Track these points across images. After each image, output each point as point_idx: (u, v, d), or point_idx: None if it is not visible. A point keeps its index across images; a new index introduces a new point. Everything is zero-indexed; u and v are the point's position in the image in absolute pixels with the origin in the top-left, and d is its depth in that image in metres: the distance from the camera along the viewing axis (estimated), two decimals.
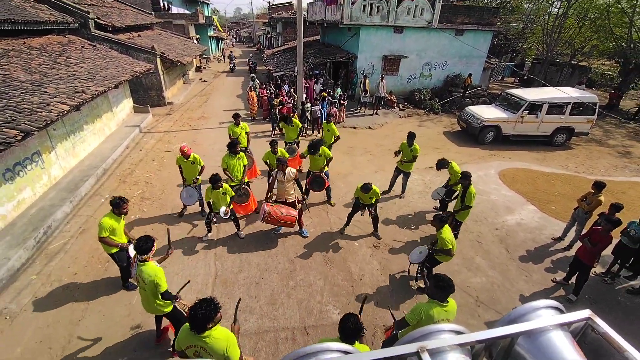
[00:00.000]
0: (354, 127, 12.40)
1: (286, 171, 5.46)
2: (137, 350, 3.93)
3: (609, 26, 16.02)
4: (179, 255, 5.46)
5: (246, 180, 6.49)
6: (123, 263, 4.47)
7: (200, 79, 21.02)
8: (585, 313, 1.35)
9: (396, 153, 7.13)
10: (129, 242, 4.44)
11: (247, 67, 23.57)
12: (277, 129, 11.14)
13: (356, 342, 2.49)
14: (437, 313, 2.88)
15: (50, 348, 3.90)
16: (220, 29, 40.28)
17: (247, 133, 7.65)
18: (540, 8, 20.42)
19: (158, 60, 13.22)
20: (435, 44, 15.18)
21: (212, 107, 14.59)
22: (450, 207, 6.39)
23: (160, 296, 3.35)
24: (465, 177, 5.45)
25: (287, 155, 6.62)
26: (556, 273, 5.51)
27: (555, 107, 10.69)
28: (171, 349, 3.90)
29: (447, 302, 2.92)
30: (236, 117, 7.52)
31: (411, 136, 6.86)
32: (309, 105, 11.40)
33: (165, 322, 3.93)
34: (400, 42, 14.73)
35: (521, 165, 9.67)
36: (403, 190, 7.53)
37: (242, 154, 6.23)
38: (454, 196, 6.35)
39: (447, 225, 4.43)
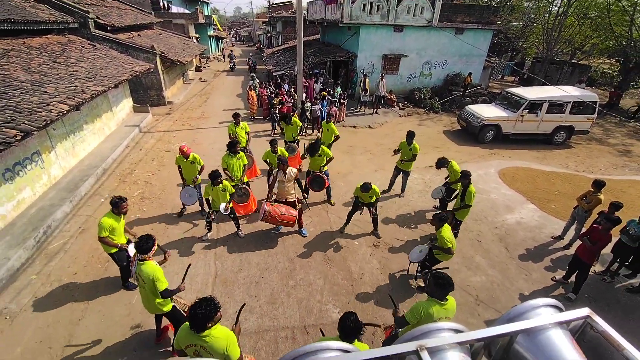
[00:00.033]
0: (354, 126, 12.39)
1: (287, 171, 5.46)
2: (137, 350, 3.94)
3: (610, 24, 16.00)
4: (179, 255, 5.46)
5: (246, 179, 6.49)
6: (123, 263, 4.47)
7: (200, 79, 21.01)
8: (584, 311, 1.35)
9: (395, 152, 7.13)
10: (129, 241, 4.44)
11: (247, 67, 23.56)
12: (277, 127, 11.15)
13: (355, 340, 2.50)
14: (436, 311, 2.88)
15: (50, 348, 3.91)
16: (220, 28, 40.25)
17: (247, 133, 7.66)
18: (540, 6, 20.40)
19: (158, 59, 13.21)
20: (435, 42, 15.16)
21: (212, 107, 14.58)
22: (450, 206, 6.39)
23: (160, 295, 3.35)
24: (465, 176, 5.44)
25: (286, 154, 6.63)
26: (556, 272, 5.51)
27: (555, 106, 10.68)
28: (171, 349, 3.91)
29: (447, 300, 2.92)
30: (236, 116, 7.51)
31: (410, 135, 6.85)
32: (308, 104, 11.40)
33: (165, 321, 3.94)
34: (400, 41, 14.72)
35: (521, 164, 9.67)
36: (403, 189, 7.53)
37: (242, 153, 6.24)
38: (453, 195, 6.35)
39: (446, 224, 4.43)
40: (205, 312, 2.37)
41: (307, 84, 13.12)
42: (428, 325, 1.35)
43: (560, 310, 1.42)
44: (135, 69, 10.50)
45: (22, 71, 6.94)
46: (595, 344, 1.35)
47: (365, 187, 5.34)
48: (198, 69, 23.77)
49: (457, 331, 1.33)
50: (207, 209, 6.22)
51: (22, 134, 5.01)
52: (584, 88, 13.55)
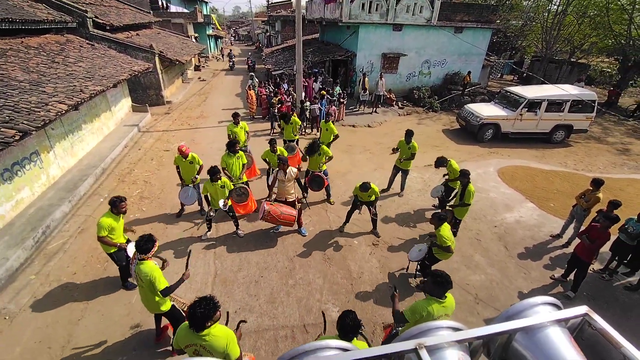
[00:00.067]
0: (353, 126, 12.39)
1: (287, 170, 5.45)
2: (137, 350, 3.94)
3: (608, 23, 16.01)
4: (179, 255, 5.46)
5: (245, 179, 6.48)
6: (122, 262, 4.47)
7: (199, 78, 20.98)
8: (583, 309, 1.36)
9: (394, 150, 7.13)
10: (128, 241, 4.44)
11: (246, 66, 23.53)
12: (276, 127, 11.15)
13: (354, 338, 2.51)
14: (436, 310, 2.89)
15: (50, 348, 3.91)
16: (219, 27, 40.20)
17: (246, 132, 7.65)
18: (539, 5, 20.39)
19: (156, 59, 13.19)
20: (435, 41, 15.15)
21: (211, 106, 14.56)
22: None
23: (160, 294, 3.35)
24: (464, 175, 5.45)
25: (286, 153, 6.63)
26: (555, 270, 5.53)
27: (554, 105, 10.69)
28: (170, 348, 3.91)
29: (445, 297, 2.93)
30: (235, 116, 7.51)
31: (409, 134, 6.85)
32: (308, 103, 11.39)
33: (165, 321, 3.94)
34: (400, 40, 14.71)
35: (520, 163, 9.69)
36: (402, 188, 7.53)
37: (241, 152, 6.23)
38: (452, 194, 6.35)
39: (446, 223, 4.43)
40: (204, 312, 2.37)
41: (306, 83, 13.11)
42: (427, 324, 1.36)
43: (559, 308, 1.42)
44: (134, 69, 10.48)
45: (20, 71, 6.92)
46: (593, 342, 1.35)
47: (365, 187, 5.34)
48: (197, 68, 23.74)
49: (456, 329, 1.33)
50: (206, 209, 6.22)
51: (21, 134, 4.99)
52: (582, 87, 13.56)
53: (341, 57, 15.13)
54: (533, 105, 10.60)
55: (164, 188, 7.47)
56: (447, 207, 6.14)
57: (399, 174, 7.33)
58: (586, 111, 10.92)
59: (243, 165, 6.21)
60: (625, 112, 15.57)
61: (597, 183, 5.63)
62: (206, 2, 36.87)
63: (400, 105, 14.93)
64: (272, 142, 6.48)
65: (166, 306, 3.56)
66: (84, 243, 5.66)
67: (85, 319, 4.29)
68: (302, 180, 6.68)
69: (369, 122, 12.80)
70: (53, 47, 9.08)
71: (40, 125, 5.44)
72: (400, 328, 3.44)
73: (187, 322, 2.48)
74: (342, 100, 12.49)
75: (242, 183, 6.21)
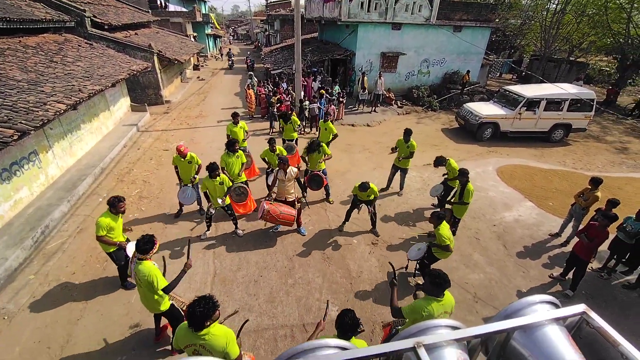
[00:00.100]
0: (352, 125, 12.39)
1: (287, 170, 5.44)
2: (136, 349, 3.94)
3: (607, 22, 16.02)
4: (178, 255, 5.46)
5: (245, 179, 6.46)
6: (121, 262, 4.46)
7: (198, 77, 20.94)
8: (580, 307, 1.36)
9: (393, 150, 7.13)
10: (127, 240, 4.43)
11: (245, 65, 23.49)
12: (275, 126, 11.14)
13: (353, 337, 2.51)
14: (435, 309, 2.89)
15: (49, 348, 3.90)
16: (217, 26, 40.11)
17: (245, 132, 7.64)
18: (538, 4, 20.38)
19: (155, 58, 13.15)
20: (434, 40, 15.15)
21: (210, 106, 14.54)
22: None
23: (160, 292, 3.34)
24: (463, 174, 5.45)
25: (285, 153, 6.62)
26: (553, 269, 5.54)
27: (553, 104, 10.71)
28: (170, 347, 3.91)
29: (443, 295, 2.94)
30: (235, 116, 7.50)
31: (407, 132, 6.86)
32: (307, 103, 11.38)
33: (164, 320, 3.94)
34: (399, 39, 14.70)
35: (519, 162, 9.70)
36: (401, 188, 7.54)
37: (240, 152, 6.21)
38: (451, 193, 6.36)
39: (444, 222, 4.44)
40: (203, 311, 2.37)
41: (306, 83, 13.10)
42: (425, 322, 1.36)
43: (557, 306, 1.43)
44: (132, 68, 10.45)
45: (18, 70, 6.90)
46: (591, 340, 1.36)
47: (364, 187, 5.35)
48: (196, 67, 23.70)
49: (454, 328, 1.34)
50: (205, 208, 6.22)
51: (19, 134, 4.98)
52: (581, 85, 13.58)
53: (340, 56, 15.11)
54: (532, 104, 10.62)
55: (163, 188, 7.46)
56: (447, 205, 6.16)
57: (398, 173, 7.34)
58: (585, 110, 10.94)
59: (242, 163, 6.21)
60: (623, 111, 15.60)
61: (596, 182, 5.64)
62: (205, 1, 36.79)
63: (399, 105, 14.93)
64: (271, 142, 6.48)
65: (165, 306, 3.56)
66: (83, 243, 5.66)
67: (84, 318, 4.29)
68: (302, 180, 6.68)
69: (368, 121, 12.80)
70: (51, 46, 9.05)
71: (38, 125, 5.43)
72: (399, 327, 3.44)
73: (186, 321, 2.48)
74: (341, 99, 12.48)
75: (242, 183, 6.20)
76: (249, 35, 55.55)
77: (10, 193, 5.86)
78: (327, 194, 7.14)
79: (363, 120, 12.87)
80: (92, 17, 11.64)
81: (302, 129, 11.33)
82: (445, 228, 4.39)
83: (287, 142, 7.88)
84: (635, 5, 15.34)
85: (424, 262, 4.83)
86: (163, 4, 26.77)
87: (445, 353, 1.22)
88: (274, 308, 4.56)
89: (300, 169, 7.33)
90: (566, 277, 5.20)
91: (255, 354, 3.92)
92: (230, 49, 29.77)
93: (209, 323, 2.43)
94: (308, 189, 6.71)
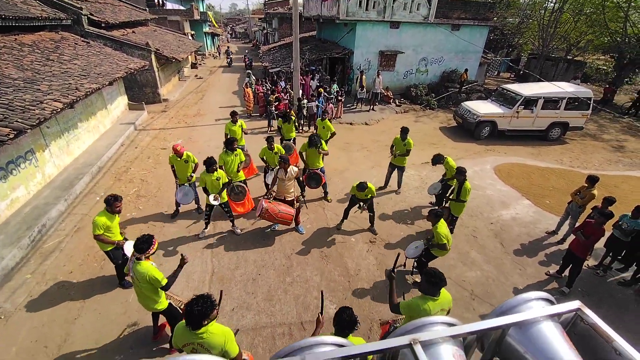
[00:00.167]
0: (351, 123, 12.39)
1: (288, 169, 5.43)
2: (134, 348, 3.93)
3: (604, 21, 16.06)
4: (176, 253, 5.45)
5: (243, 177, 6.44)
6: (118, 261, 4.45)
7: (196, 76, 20.86)
8: (575, 304, 1.37)
9: (392, 149, 7.13)
10: (125, 239, 4.42)
11: (243, 64, 23.42)
12: (273, 125, 11.13)
13: (350, 335, 2.53)
14: (432, 307, 2.91)
15: (46, 347, 3.89)
16: (215, 25, 39.92)
17: (243, 130, 7.62)
18: (536, 3, 20.39)
19: (153, 56, 13.09)
20: (432, 39, 15.15)
21: (208, 104, 14.50)
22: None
23: (162, 289, 3.35)
24: (460, 173, 5.47)
25: (283, 151, 6.62)
26: (550, 266, 5.58)
27: (551, 102, 10.74)
28: (168, 346, 3.91)
29: (439, 294, 2.95)
30: (233, 114, 7.48)
31: (404, 130, 6.87)
32: (305, 101, 11.37)
33: (162, 319, 3.93)
34: (397, 37, 14.69)
35: (516, 160, 9.74)
36: (399, 186, 7.55)
37: (239, 150, 6.18)
38: (449, 191, 6.38)
39: (442, 220, 4.45)
40: (201, 310, 2.37)
41: (304, 81, 13.07)
42: (422, 319, 1.37)
43: (552, 303, 1.44)
44: (130, 66, 10.40)
45: (14, 68, 6.85)
46: (585, 336, 1.37)
47: (361, 187, 5.36)
48: (194, 66, 23.59)
49: (450, 325, 1.35)
50: (203, 207, 6.20)
51: (15, 132, 4.95)
52: (578, 84, 13.62)
53: (338, 54, 15.09)
54: (529, 102, 10.65)
55: (160, 186, 7.44)
56: (444, 204, 6.18)
57: (395, 171, 7.35)
58: (582, 109, 10.98)
59: (240, 162, 6.18)
60: (620, 110, 15.68)
61: (592, 180, 5.68)
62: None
63: (397, 103, 14.94)
64: (269, 140, 6.47)
65: (163, 305, 3.55)
66: (80, 242, 5.64)
67: (81, 317, 4.28)
68: (300, 178, 6.68)
69: (367, 119, 12.80)
70: (47, 44, 8.99)
71: (35, 123, 5.39)
72: (397, 325, 3.46)
73: (184, 320, 2.48)
74: (340, 98, 12.48)
75: (240, 181, 6.19)
76: (247, 34, 55.37)
77: (6, 192, 5.83)
78: (325, 193, 7.15)
79: (361, 118, 12.88)
80: (89, 15, 11.56)
81: (301, 128, 11.32)
82: (443, 226, 4.41)
83: (285, 141, 7.87)
84: (633, 4, 15.38)
85: (422, 260, 4.85)
86: (160, 2, 26.64)
87: (441, 350, 1.23)
88: (272, 306, 4.57)
89: (298, 167, 7.33)
90: (562, 275, 5.24)
91: (253, 352, 3.93)
92: (228, 47, 29.67)
93: (206, 322, 2.43)
94: (306, 188, 6.70)
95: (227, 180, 5.53)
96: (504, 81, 21.02)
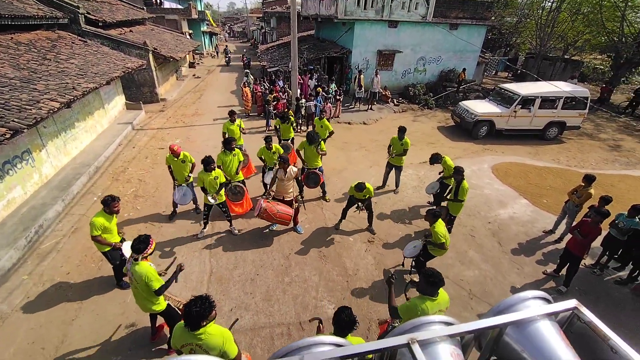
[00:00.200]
0: (349, 123, 12.39)
1: (287, 169, 5.40)
2: (132, 349, 3.92)
3: (601, 20, 16.14)
4: (174, 254, 5.43)
5: (242, 177, 6.43)
6: (116, 262, 4.43)
7: (194, 75, 20.79)
8: (572, 303, 1.38)
9: (389, 149, 7.14)
10: (122, 240, 4.41)
11: (242, 63, 23.37)
12: (272, 124, 11.12)
13: (349, 334, 2.53)
14: (430, 307, 2.91)
15: (44, 348, 3.88)
16: (213, 24, 39.81)
17: (241, 129, 7.60)
18: (534, 2, 20.49)
19: (150, 56, 13.04)
20: (430, 38, 15.17)
21: (206, 104, 14.46)
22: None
23: (154, 293, 3.33)
24: (458, 172, 5.48)
25: (282, 151, 6.60)
26: (547, 265, 5.61)
27: (548, 102, 10.79)
28: (166, 346, 3.91)
29: (437, 294, 2.96)
30: (232, 114, 7.46)
31: (402, 130, 6.88)
32: (303, 101, 11.36)
33: (160, 319, 3.92)
34: (395, 36, 14.70)
35: (514, 160, 9.77)
36: (397, 185, 7.56)
37: (237, 150, 6.15)
38: (447, 191, 6.40)
39: (440, 220, 4.46)
40: (199, 311, 2.37)
41: (302, 81, 13.06)
42: (420, 319, 1.37)
43: (549, 302, 1.45)
44: (127, 66, 10.35)
45: (10, 67, 6.80)
46: (582, 335, 1.38)
47: (360, 187, 5.37)
48: (191, 65, 23.52)
49: (448, 324, 1.35)
50: (201, 207, 6.18)
51: (12, 132, 4.91)
52: (575, 84, 13.68)
53: (336, 54, 15.09)
54: (527, 102, 10.69)
55: (158, 186, 7.42)
56: (442, 203, 6.19)
57: (393, 170, 7.36)
58: (579, 108, 11.04)
59: (239, 162, 6.16)
60: (617, 109, 15.76)
61: (589, 179, 5.70)
62: None
63: (395, 103, 14.96)
64: (267, 140, 6.46)
65: (161, 306, 3.54)
66: (78, 242, 5.61)
67: (79, 318, 4.26)
68: (299, 177, 6.66)
69: (365, 119, 12.81)
70: (44, 43, 8.93)
71: (31, 123, 5.36)
72: (396, 324, 3.47)
73: (182, 321, 2.48)
74: (338, 97, 12.47)
75: (239, 181, 6.18)
76: (245, 33, 55.22)
77: (3, 192, 5.79)
78: (324, 192, 7.15)
79: (359, 118, 12.88)
80: (86, 14, 11.49)
81: (299, 127, 11.31)
82: (441, 226, 4.41)
83: (283, 141, 7.86)
84: (629, 4, 15.47)
85: (420, 260, 4.86)
86: (158, 1, 26.55)
87: (439, 349, 1.23)
88: (271, 306, 4.57)
89: (296, 167, 7.33)
90: (560, 274, 5.26)
91: (251, 353, 3.93)
92: (226, 46, 29.60)
93: (205, 323, 2.43)
94: (305, 188, 6.70)
95: (225, 179, 5.51)
96: (501, 80, 21.09)
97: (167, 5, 27.63)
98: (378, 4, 13.60)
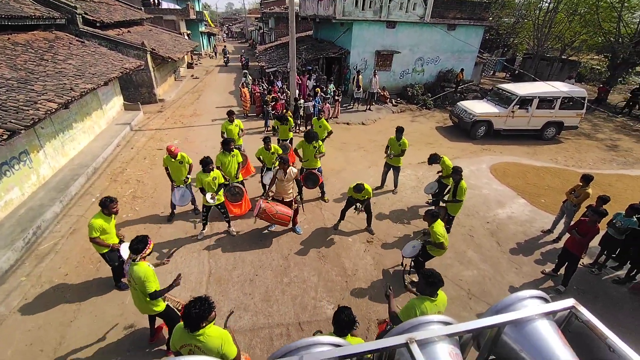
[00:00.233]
0: (347, 123, 12.40)
1: (287, 170, 5.39)
2: (131, 350, 3.91)
3: (598, 21, 16.23)
4: (172, 255, 5.42)
5: (241, 178, 6.42)
6: (115, 263, 4.41)
7: (192, 76, 20.76)
8: (570, 302, 1.39)
9: (387, 150, 7.14)
10: (121, 241, 4.39)
11: (240, 64, 23.36)
12: (270, 125, 11.12)
13: (349, 334, 2.53)
14: (429, 308, 2.92)
15: (42, 350, 3.86)
16: (211, 24, 39.78)
17: (241, 130, 7.60)
18: (531, 3, 20.57)
19: (148, 56, 13.01)
20: (428, 39, 15.20)
21: (205, 104, 14.44)
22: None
23: (149, 296, 3.31)
24: (456, 172, 5.49)
25: (280, 151, 6.60)
26: (545, 265, 5.62)
27: (545, 102, 10.83)
28: (165, 348, 3.90)
29: (437, 295, 2.96)
30: (230, 114, 7.44)
31: (399, 130, 6.89)
32: (302, 101, 11.36)
33: (159, 321, 3.91)
34: (393, 37, 14.73)
35: (512, 160, 9.80)
36: (395, 185, 7.57)
37: (236, 151, 6.12)
38: (446, 190, 6.41)
39: (439, 220, 4.47)
40: (199, 312, 2.37)
41: (300, 81, 13.07)
42: (418, 318, 1.37)
43: (547, 301, 1.45)
44: (125, 66, 10.33)
45: (7, 68, 6.78)
46: (580, 334, 1.38)
47: (358, 188, 5.37)
48: (190, 66, 23.49)
49: (446, 323, 1.35)
50: (200, 208, 6.17)
51: (9, 133, 4.90)
52: (573, 84, 13.75)
53: (335, 54, 15.10)
54: (525, 102, 10.72)
55: (157, 187, 7.40)
56: (441, 203, 6.20)
57: (391, 171, 7.37)
58: (576, 108, 11.09)
59: (238, 164, 6.12)
60: (614, 109, 15.84)
61: (587, 179, 5.73)
62: None
63: (394, 103, 14.98)
64: (266, 140, 6.46)
65: (160, 307, 3.53)
66: (76, 244, 5.59)
67: (77, 320, 4.24)
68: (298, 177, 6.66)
69: (363, 119, 12.82)
70: (41, 44, 8.91)
71: (29, 124, 5.34)
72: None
73: (182, 322, 2.48)
74: (337, 97, 12.49)
75: (238, 182, 6.16)
76: (244, 33, 55.20)
77: (0, 194, 5.76)
78: (322, 193, 7.15)
79: (358, 118, 12.89)
80: (84, 15, 11.46)
81: (297, 128, 11.31)
82: (439, 226, 4.42)
83: (281, 141, 7.86)
84: (626, 4, 15.55)
85: (419, 260, 4.86)
86: (156, 2, 26.52)
87: (438, 348, 1.24)
88: (270, 307, 4.57)
89: (295, 167, 7.32)
90: (558, 273, 5.28)
91: (251, 353, 3.93)
92: (225, 46, 29.59)
93: (204, 324, 2.43)
94: (303, 188, 6.69)
95: (222, 180, 5.50)
96: (499, 81, 21.16)
97: (165, 5, 27.60)
98: (376, 5, 13.62)
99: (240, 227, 6.18)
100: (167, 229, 6.05)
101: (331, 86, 12.98)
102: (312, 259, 5.49)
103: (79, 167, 7.80)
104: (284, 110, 10.65)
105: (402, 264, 5.26)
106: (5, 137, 4.81)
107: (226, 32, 63.50)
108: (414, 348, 1.17)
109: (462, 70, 15.53)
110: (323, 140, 7.60)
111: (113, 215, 4.25)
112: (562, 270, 5.15)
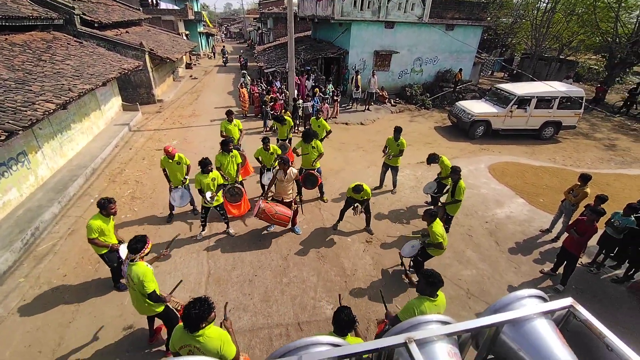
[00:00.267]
0: (346, 123, 12.41)
1: (287, 171, 5.38)
2: (130, 351, 3.90)
3: (596, 21, 16.29)
4: (171, 256, 5.41)
5: (240, 178, 6.41)
6: (114, 263, 4.40)
7: (191, 76, 20.73)
8: (568, 301, 1.39)
9: (384, 150, 7.14)
10: (120, 242, 4.38)
11: (238, 64, 23.34)
12: (267, 126, 11.13)
13: (349, 334, 2.53)
14: (428, 308, 2.93)
15: (40, 352, 3.85)
16: (210, 24, 39.75)
17: (240, 130, 7.59)
18: (529, 3, 20.63)
19: (147, 57, 12.98)
20: (426, 39, 15.23)
21: (203, 104, 14.43)
22: (442, 200, 6.45)
23: (147, 297, 3.30)
24: (455, 172, 5.50)
25: (279, 151, 6.60)
26: (544, 264, 5.64)
27: (544, 102, 10.86)
28: (164, 348, 3.89)
29: (437, 296, 2.97)
30: (229, 114, 7.44)
31: (398, 130, 6.89)
32: (300, 101, 11.36)
33: (158, 321, 3.90)
34: (391, 37, 14.74)
35: (510, 159, 9.83)
36: (394, 186, 7.58)
37: (235, 151, 6.10)
38: (444, 190, 6.42)
39: (438, 220, 4.48)
40: (199, 313, 2.37)
41: (299, 81, 13.06)
42: (417, 318, 1.38)
43: (545, 300, 1.46)
44: (123, 67, 10.31)
45: (4, 69, 6.75)
46: (578, 332, 1.39)
47: (357, 189, 5.38)
48: (188, 66, 23.46)
49: (445, 323, 1.36)
50: (199, 208, 6.16)
51: (6, 134, 4.88)
52: (571, 84, 13.79)
53: (333, 54, 15.10)
54: (523, 102, 10.75)
55: (155, 188, 7.39)
56: (439, 204, 6.21)
57: (389, 171, 7.37)
58: (574, 108, 11.12)
59: (238, 164, 6.10)
60: (612, 109, 15.89)
61: (585, 178, 5.75)
62: None
63: (392, 103, 14.99)
64: (265, 141, 6.45)
65: (160, 308, 3.52)
66: (75, 244, 5.58)
67: (76, 321, 4.23)
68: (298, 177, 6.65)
69: (362, 119, 12.83)
70: (39, 44, 8.88)
71: (27, 125, 5.32)
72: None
73: (181, 323, 2.47)
74: (335, 98, 12.49)
75: (237, 182, 6.15)
76: (242, 34, 55.15)
77: None
78: (321, 193, 7.15)
79: (357, 118, 12.90)
80: (82, 15, 11.43)
81: (297, 128, 11.31)
82: (438, 225, 4.43)
83: (280, 141, 7.86)
84: (623, 4, 15.61)
85: (418, 260, 4.87)
86: (154, 2, 26.45)
87: (436, 348, 1.24)
88: (269, 307, 4.56)
89: (296, 167, 7.32)
90: (557, 272, 5.30)
91: (250, 354, 3.92)
92: (224, 46, 29.57)
93: (204, 325, 2.43)
94: (302, 189, 6.69)
95: (221, 181, 5.50)
96: (497, 81, 21.21)
97: (163, 6, 27.54)
98: (374, 5, 13.64)
99: (239, 228, 6.17)
100: (166, 230, 6.04)
101: (330, 86, 12.99)
102: (311, 259, 5.49)
103: (78, 168, 7.78)
104: (282, 111, 10.65)
105: (401, 264, 5.26)
106: (3, 138, 4.79)
107: (225, 32, 63.44)
108: (413, 347, 1.17)
109: (460, 70, 15.56)
110: (322, 140, 7.61)
111: (111, 216, 4.24)
112: (560, 270, 5.17)
